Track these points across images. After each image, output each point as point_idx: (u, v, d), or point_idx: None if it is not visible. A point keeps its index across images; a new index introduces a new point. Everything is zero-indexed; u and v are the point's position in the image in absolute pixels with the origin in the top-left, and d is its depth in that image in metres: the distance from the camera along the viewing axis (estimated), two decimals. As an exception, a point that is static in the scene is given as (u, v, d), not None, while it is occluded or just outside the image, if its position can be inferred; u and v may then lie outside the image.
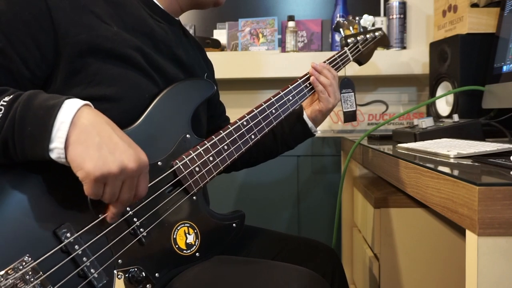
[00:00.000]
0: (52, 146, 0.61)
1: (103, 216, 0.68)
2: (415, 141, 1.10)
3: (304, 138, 1.15)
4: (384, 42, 1.28)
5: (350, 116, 1.23)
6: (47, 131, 0.60)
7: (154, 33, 0.83)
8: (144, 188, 0.67)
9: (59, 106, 0.62)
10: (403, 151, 0.97)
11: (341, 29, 1.22)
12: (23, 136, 0.61)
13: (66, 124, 0.61)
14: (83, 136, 0.61)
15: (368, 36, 1.22)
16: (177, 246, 0.78)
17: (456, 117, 1.16)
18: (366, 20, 1.26)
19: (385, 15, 1.82)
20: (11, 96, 0.63)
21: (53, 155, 0.61)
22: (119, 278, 0.70)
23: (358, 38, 1.20)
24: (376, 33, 1.24)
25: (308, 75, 1.07)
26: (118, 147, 0.62)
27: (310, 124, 1.11)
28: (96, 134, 0.62)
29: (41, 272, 0.62)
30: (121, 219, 0.71)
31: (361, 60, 1.23)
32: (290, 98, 1.01)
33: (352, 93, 1.21)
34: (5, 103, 0.62)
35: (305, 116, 1.11)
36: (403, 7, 1.74)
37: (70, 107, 0.62)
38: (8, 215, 0.63)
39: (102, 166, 0.60)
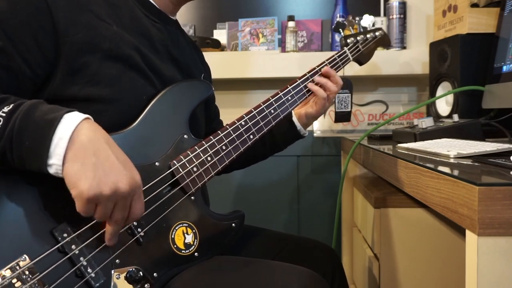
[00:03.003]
0: (50, 162, 0.61)
1: (95, 220, 0.67)
2: (415, 141, 1.10)
3: (293, 140, 1.15)
4: (384, 41, 1.27)
5: (342, 117, 1.22)
6: (45, 146, 0.60)
7: (150, 33, 0.83)
8: (139, 209, 0.66)
9: (58, 120, 0.61)
10: (403, 151, 0.97)
11: (340, 30, 1.21)
12: (21, 150, 0.61)
13: (64, 141, 0.60)
14: (80, 154, 0.61)
15: (368, 36, 1.22)
16: (175, 246, 0.78)
17: (456, 117, 1.16)
18: (366, 20, 1.26)
19: (385, 15, 1.82)
20: (11, 106, 0.62)
21: (51, 171, 0.61)
22: (117, 278, 0.70)
23: (358, 38, 1.20)
24: (377, 33, 1.23)
25: (307, 76, 1.06)
26: (113, 168, 0.62)
27: (299, 126, 1.11)
28: (93, 153, 0.61)
29: (38, 272, 0.62)
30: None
31: (361, 60, 1.22)
32: (289, 98, 1.01)
33: (349, 94, 1.20)
34: (4, 114, 0.61)
35: (294, 118, 1.11)
36: (403, 7, 1.74)
37: (69, 122, 0.62)
38: (6, 216, 0.62)
39: (96, 187, 0.60)
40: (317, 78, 1.06)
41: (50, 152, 0.60)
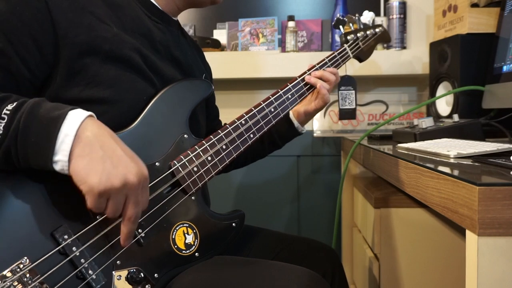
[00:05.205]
0: (56, 158, 0.61)
1: (96, 221, 0.67)
2: (415, 141, 1.10)
3: (291, 137, 1.15)
4: (385, 38, 1.27)
5: (347, 114, 1.22)
6: (51, 143, 0.60)
7: (152, 34, 0.83)
8: (145, 201, 0.67)
9: (63, 117, 0.62)
10: (403, 151, 0.97)
11: (340, 26, 1.21)
12: (26, 147, 0.61)
13: (70, 137, 0.61)
14: (87, 149, 0.61)
15: (368, 32, 1.21)
16: (176, 246, 0.78)
17: (456, 117, 1.16)
18: (366, 16, 1.25)
19: (385, 15, 1.82)
20: (14, 104, 0.62)
21: (57, 167, 0.61)
22: (118, 279, 0.70)
23: (358, 34, 1.19)
24: (377, 29, 1.23)
25: (306, 74, 1.06)
26: (121, 161, 0.63)
27: (296, 123, 1.11)
28: (99, 147, 0.62)
29: (39, 274, 0.62)
30: (119, 221, 0.71)
31: (361, 57, 1.22)
32: (289, 96, 1.01)
33: (353, 91, 1.20)
34: (8, 112, 0.61)
35: (291, 116, 1.11)
36: (403, 7, 1.74)
37: (74, 118, 0.62)
38: (6, 218, 0.62)
39: (106, 180, 0.60)
40: (313, 72, 1.07)
41: (56, 148, 0.61)
